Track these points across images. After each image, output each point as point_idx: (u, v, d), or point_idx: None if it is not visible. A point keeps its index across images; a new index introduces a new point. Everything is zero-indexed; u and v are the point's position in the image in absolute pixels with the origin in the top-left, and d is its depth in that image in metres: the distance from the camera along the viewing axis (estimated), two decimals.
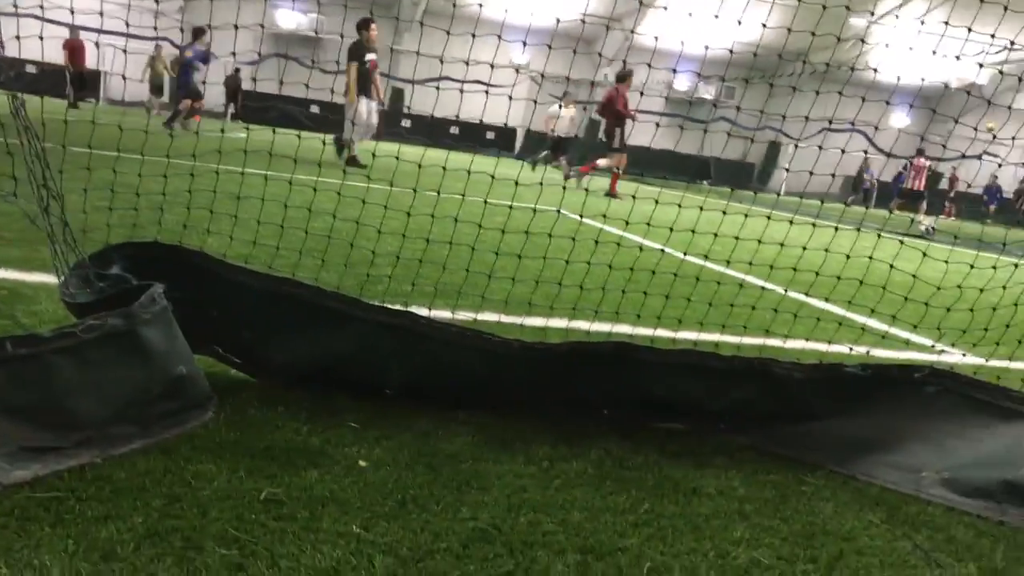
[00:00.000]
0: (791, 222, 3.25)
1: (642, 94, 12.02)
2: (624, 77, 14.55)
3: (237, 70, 25.87)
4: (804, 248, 3.15)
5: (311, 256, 3.79)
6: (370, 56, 12.74)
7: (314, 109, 26.76)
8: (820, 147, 4.01)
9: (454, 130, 27.45)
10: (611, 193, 13.76)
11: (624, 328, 3.45)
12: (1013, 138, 4.16)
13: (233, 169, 2.89)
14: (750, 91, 30.24)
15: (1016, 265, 3.19)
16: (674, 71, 10.56)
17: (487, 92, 4.26)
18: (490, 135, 30.78)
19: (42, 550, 1.57)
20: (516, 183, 3.10)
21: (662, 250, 3.59)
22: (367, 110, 12.91)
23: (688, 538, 2.00)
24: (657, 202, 3.25)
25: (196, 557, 1.62)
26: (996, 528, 2.32)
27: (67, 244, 2.40)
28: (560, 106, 18.98)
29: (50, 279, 3.34)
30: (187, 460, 2.01)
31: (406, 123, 29.75)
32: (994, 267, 3.38)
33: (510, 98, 2.95)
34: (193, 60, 16.88)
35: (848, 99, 3.73)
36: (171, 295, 2.16)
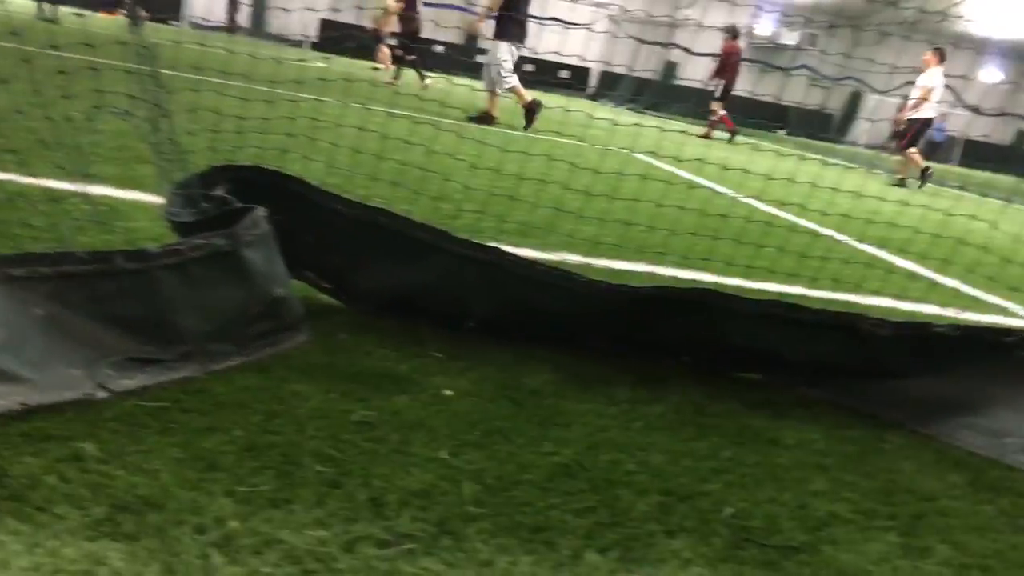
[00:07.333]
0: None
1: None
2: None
3: None
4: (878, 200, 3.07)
5: (403, 188, 3.82)
6: None
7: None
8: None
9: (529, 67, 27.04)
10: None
11: (706, 276, 3.43)
12: None
13: (312, 98, 2.92)
14: (833, 39, 29.23)
15: None
16: (759, 8, 10.24)
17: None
18: (564, 73, 30.05)
19: (152, 456, 1.64)
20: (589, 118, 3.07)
21: (734, 198, 3.54)
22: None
23: (768, 487, 2.01)
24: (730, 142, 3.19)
25: (295, 471, 1.68)
26: None
27: (173, 163, 2.46)
28: None
29: (144, 197, 3.44)
30: (282, 379, 2.08)
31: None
32: None
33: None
34: None
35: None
36: (271, 218, 2.21)
